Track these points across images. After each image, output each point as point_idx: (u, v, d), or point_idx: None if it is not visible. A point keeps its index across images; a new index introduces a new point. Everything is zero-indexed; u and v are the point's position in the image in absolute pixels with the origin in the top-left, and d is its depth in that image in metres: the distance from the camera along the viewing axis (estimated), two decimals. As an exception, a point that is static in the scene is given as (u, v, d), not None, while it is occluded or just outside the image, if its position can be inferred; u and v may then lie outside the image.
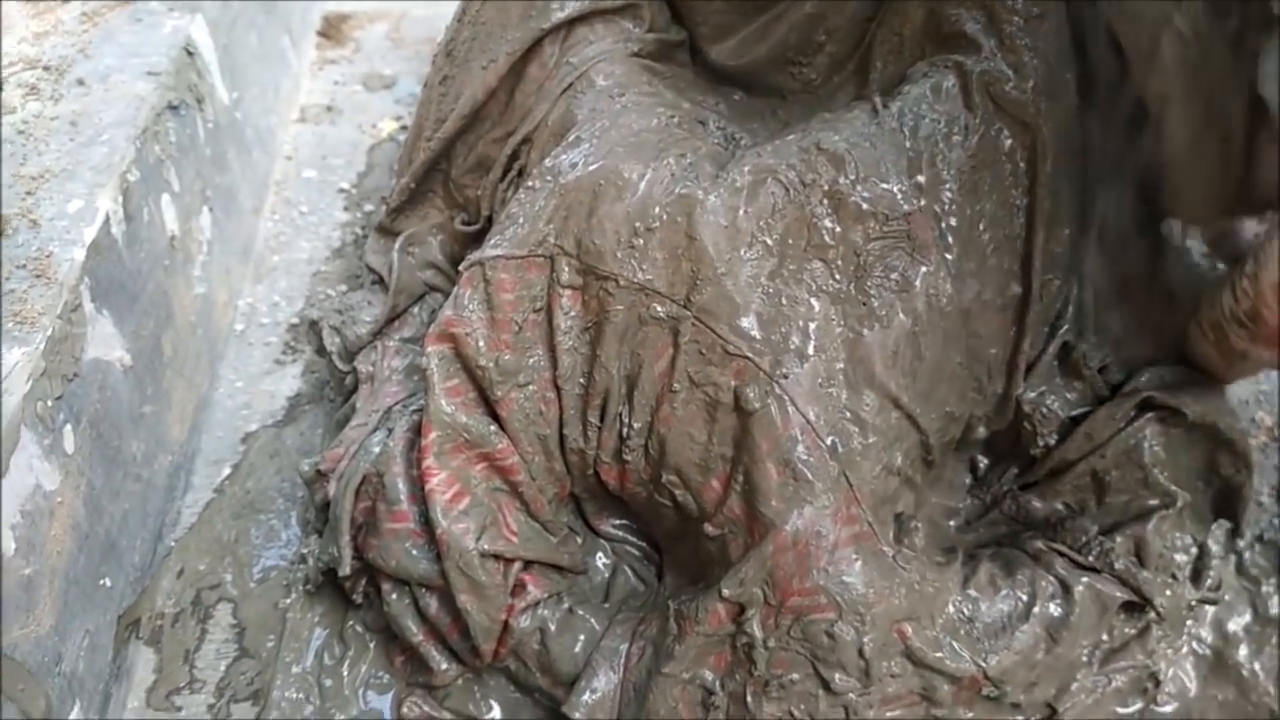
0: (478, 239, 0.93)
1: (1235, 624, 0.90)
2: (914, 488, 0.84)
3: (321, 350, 1.06)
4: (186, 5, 1.18)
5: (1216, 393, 0.88)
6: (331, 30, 1.58)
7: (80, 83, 1.04)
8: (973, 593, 0.80)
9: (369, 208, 1.29)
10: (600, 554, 0.89)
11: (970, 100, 0.81)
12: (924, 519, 0.87)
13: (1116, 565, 0.81)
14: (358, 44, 1.57)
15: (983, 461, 0.91)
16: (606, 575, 0.88)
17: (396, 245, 1.02)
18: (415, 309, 1.02)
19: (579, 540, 0.88)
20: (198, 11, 1.17)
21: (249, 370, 1.12)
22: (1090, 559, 0.82)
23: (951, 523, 0.89)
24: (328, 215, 1.29)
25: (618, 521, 0.89)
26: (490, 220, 0.97)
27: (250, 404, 1.09)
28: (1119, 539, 0.83)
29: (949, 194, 0.80)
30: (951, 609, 0.78)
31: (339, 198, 1.31)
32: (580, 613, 0.82)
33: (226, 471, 1.03)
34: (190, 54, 1.14)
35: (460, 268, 0.82)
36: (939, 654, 0.76)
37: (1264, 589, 0.91)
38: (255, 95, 1.33)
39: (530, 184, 0.83)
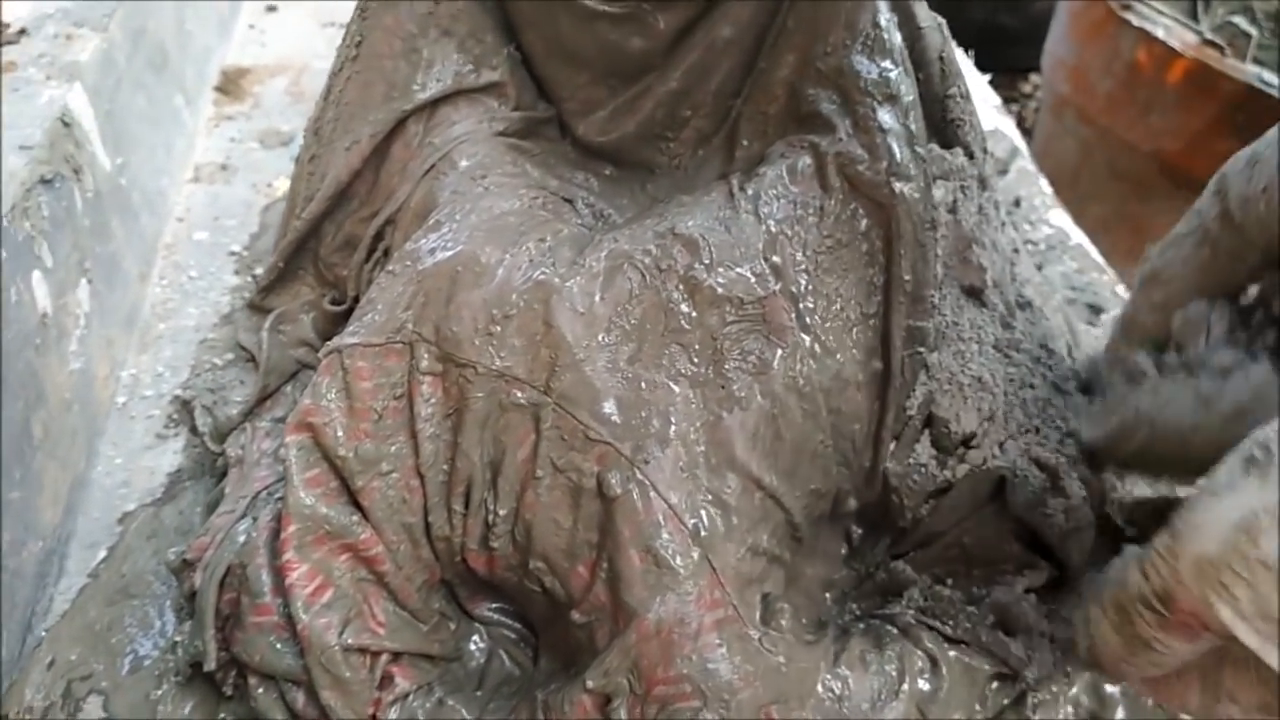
0: (346, 318, 0.92)
1: (1112, 686, 0.90)
2: (783, 565, 0.83)
3: (195, 430, 1.04)
4: (65, 73, 1.16)
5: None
6: (230, 85, 1.56)
7: (-47, 161, 1.02)
8: (843, 670, 0.79)
9: (259, 270, 1.26)
10: (475, 638, 0.87)
11: (826, 181, 0.81)
12: (800, 592, 0.87)
13: (983, 637, 0.82)
14: (256, 99, 1.55)
15: (857, 531, 0.92)
16: (481, 660, 0.87)
17: (267, 323, 1.01)
18: (288, 388, 1.00)
19: (452, 625, 0.86)
20: (76, 79, 1.15)
21: (129, 445, 1.09)
22: (958, 631, 0.82)
23: (828, 595, 0.89)
24: (217, 279, 1.26)
25: (492, 605, 0.88)
26: (358, 300, 0.96)
27: (129, 481, 1.06)
28: (986, 609, 0.83)
29: (805, 276, 0.80)
30: (821, 689, 0.78)
31: (230, 260, 1.29)
32: (451, 703, 0.81)
33: (102, 554, 1.00)
34: (66, 124, 1.12)
35: (319, 355, 0.81)
36: (808, 737, 0.76)
37: (1139, 647, 0.92)
38: (144, 158, 1.31)
39: (390, 269, 0.82)
